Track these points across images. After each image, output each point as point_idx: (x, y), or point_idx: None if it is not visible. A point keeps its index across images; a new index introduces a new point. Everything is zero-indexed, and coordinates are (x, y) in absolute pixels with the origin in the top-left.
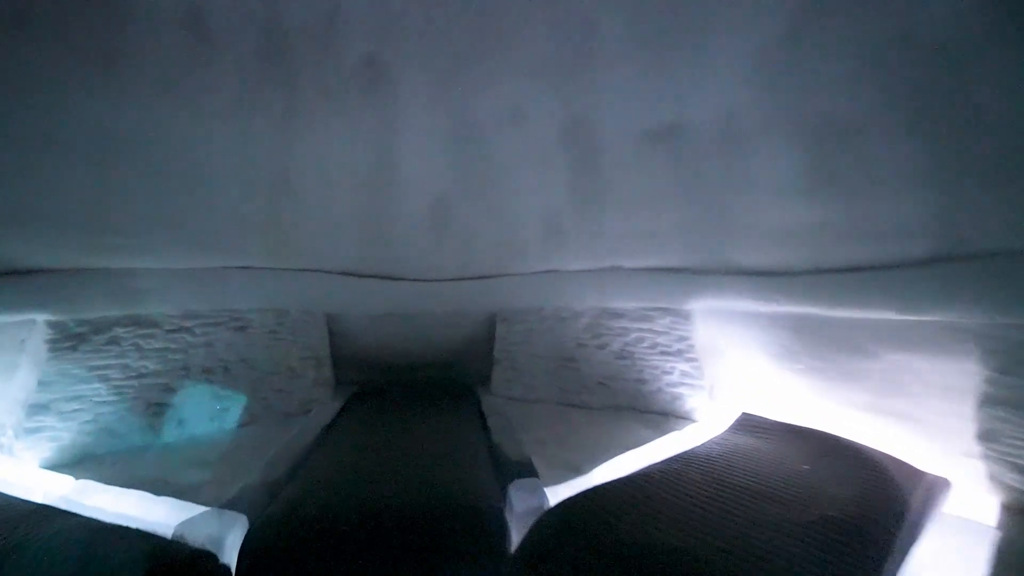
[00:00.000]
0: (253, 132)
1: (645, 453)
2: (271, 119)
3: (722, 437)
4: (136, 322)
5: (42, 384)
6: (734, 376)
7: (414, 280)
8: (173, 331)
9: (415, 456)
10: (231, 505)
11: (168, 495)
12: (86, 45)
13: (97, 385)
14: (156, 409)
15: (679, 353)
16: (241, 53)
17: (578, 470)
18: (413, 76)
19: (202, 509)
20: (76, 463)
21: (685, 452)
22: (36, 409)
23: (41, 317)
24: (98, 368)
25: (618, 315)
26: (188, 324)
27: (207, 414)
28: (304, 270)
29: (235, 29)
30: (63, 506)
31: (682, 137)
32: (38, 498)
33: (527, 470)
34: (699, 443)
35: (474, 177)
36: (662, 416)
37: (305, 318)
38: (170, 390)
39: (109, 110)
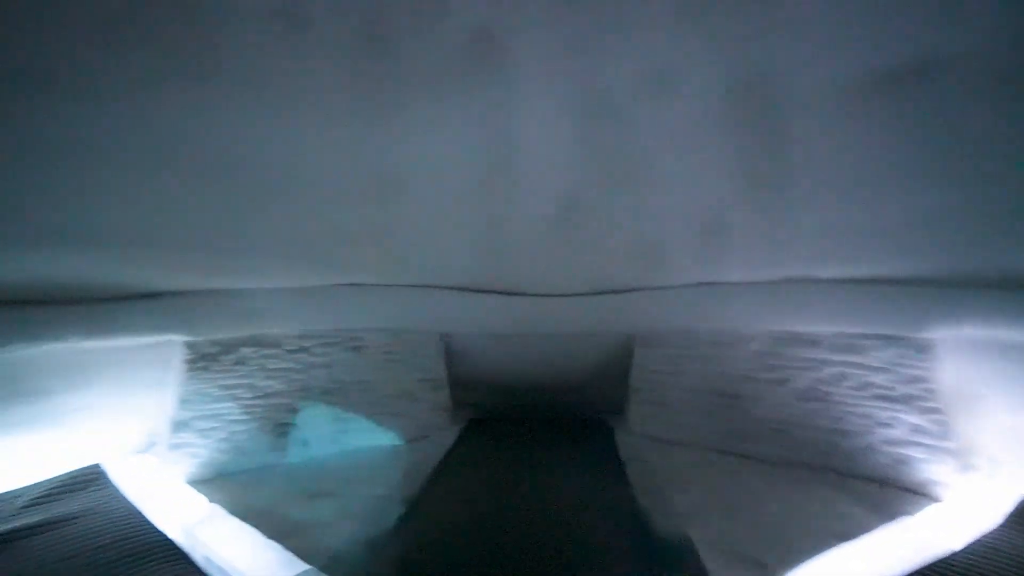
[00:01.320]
0: (356, 134)
1: (866, 549)
2: (375, 116)
3: (998, 534)
4: (260, 342)
5: (183, 402)
6: (1004, 438)
7: (537, 295)
8: (294, 351)
9: (544, 513)
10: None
11: (285, 532)
12: (181, 52)
13: (229, 404)
14: (281, 429)
15: (908, 400)
16: (341, 42)
17: (761, 566)
18: (533, 47)
19: (304, 567)
20: (212, 479)
21: (938, 557)
22: (179, 426)
23: (179, 337)
24: (229, 387)
25: (806, 342)
26: (307, 344)
27: (328, 436)
28: (416, 286)
29: (333, 12)
30: (186, 542)
31: (923, 83)
32: (178, 519)
33: (688, 559)
34: (958, 541)
35: (609, 167)
36: (875, 485)
37: (420, 338)
38: (293, 411)
39: (208, 123)
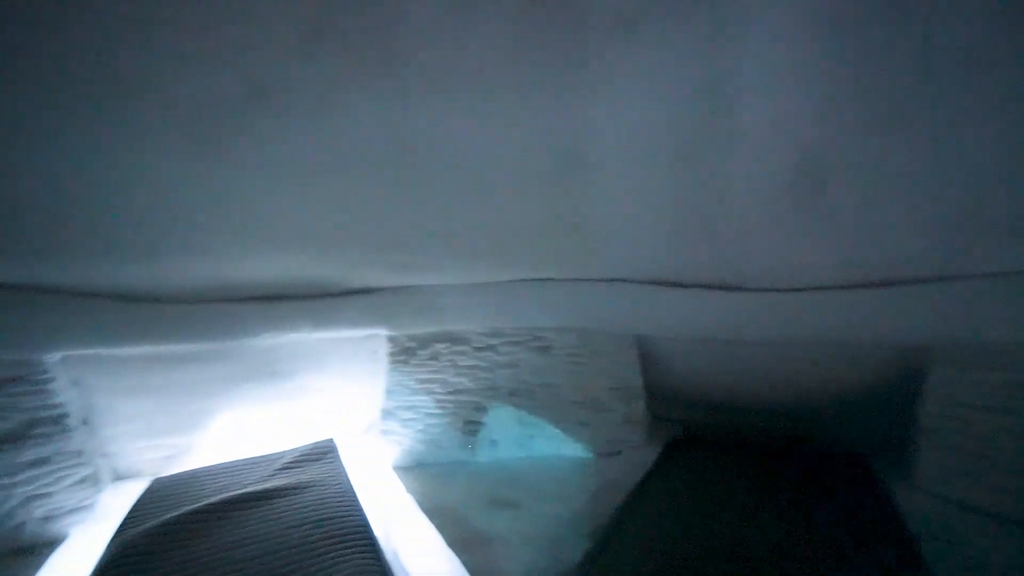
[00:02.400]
0: (532, 107)
1: None
2: (552, 82)
3: None
4: (450, 338)
5: (388, 392)
6: None
7: (759, 290)
8: (481, 349)
9: None
10: None
11: (465, 541)
12: (367, 54)
13: (425, 398)
14: (471, 427)
15: None
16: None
17: None
18: None
19: None
20: (412, 468)
21: None
22: (386, 414)
23: (383, 331)
24: (424, 381)
25: None
26: (494, 342)
27: (515, 439)
28: (605, 280)
29: None
30: (381, 532)
31: None
32: (380, 506)
33: None
34: None
35: (875, 107)
36: None
37: (611, 341)
38: (481, 409)
39: (390, 121)
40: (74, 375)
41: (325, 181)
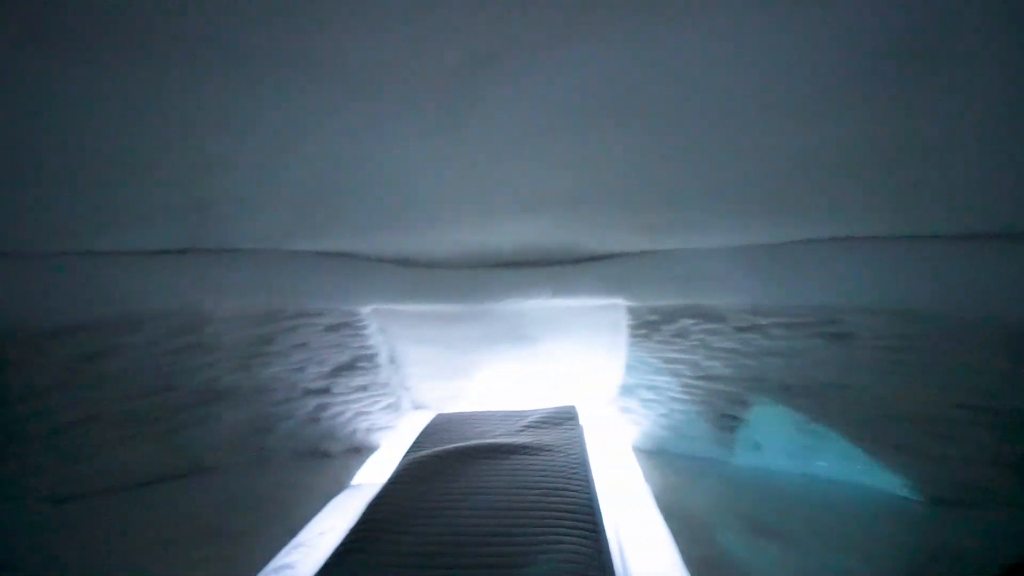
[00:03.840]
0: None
1: None
2: None
3: None
4: (702, 314)
5: (628, 368)
6: None
7: None
8: (743, 329)
9: None
10: None
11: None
12: None
13: (669, 379)
14: (726, 422)
15: None
16: None
17: None
18: None
19: None
20: (652, 453)
21: None
22: (625, 390)
23: (623, 302)
24: (669, 360)
25: None
26: (761, 322)
27: (788, 448)
28: (951, 237)
29: None
30: (609, 514)
31: None
32: (612, 486)
33: None
34: None
35: None
36: None
37: (963, 332)
38: (742, 403)
39: (627, 61)
40: (381, 324)
41: (561, 141)
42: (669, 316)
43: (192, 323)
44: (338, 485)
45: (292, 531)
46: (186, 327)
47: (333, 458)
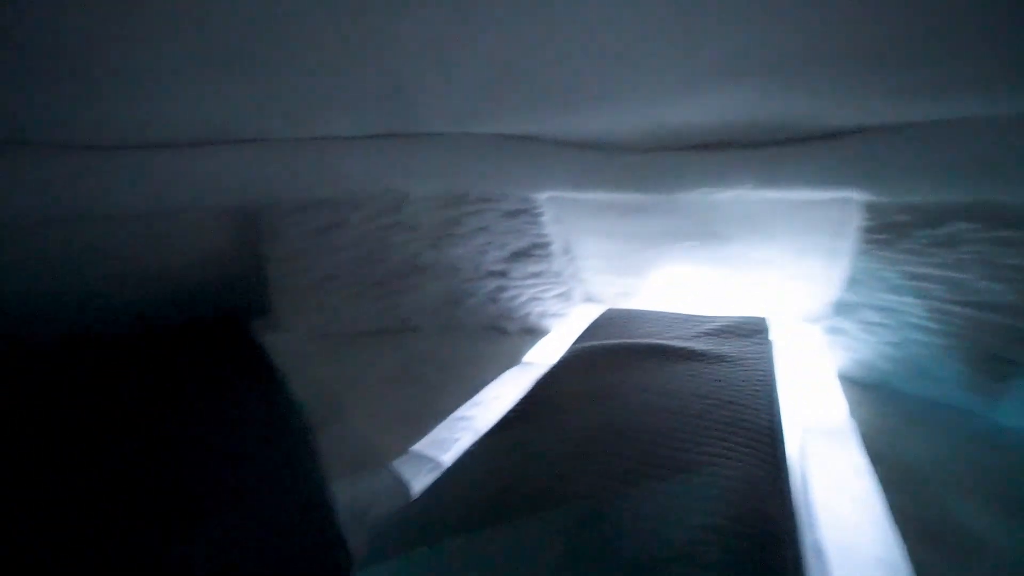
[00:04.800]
0: None
1: None
2: None
3: None
4: (991, 216)
5: (852, 282)
6: None
7: None
8: None
9: None
10: None
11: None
12: None
13: (912, 300)
14: (995, 366)
15: None
16: None
17: None
18: None
19: None
20: (870, 387)
21: None
22: (840, 309)
23: (858, 195)
24: (917, 277)
25: None
26: None
27: None
28: None
29: None
30: (793, 442)
31: None
32: (807, 417)
33: None
34: None
35: None
36: None
37: None
38: None
39: None
40: (557, 213)
41: None
42: (933, 217)
43: (395, 204)
44: (512, 359)
45: (471, 391)
46: (391, 208)
47: (509, 335)
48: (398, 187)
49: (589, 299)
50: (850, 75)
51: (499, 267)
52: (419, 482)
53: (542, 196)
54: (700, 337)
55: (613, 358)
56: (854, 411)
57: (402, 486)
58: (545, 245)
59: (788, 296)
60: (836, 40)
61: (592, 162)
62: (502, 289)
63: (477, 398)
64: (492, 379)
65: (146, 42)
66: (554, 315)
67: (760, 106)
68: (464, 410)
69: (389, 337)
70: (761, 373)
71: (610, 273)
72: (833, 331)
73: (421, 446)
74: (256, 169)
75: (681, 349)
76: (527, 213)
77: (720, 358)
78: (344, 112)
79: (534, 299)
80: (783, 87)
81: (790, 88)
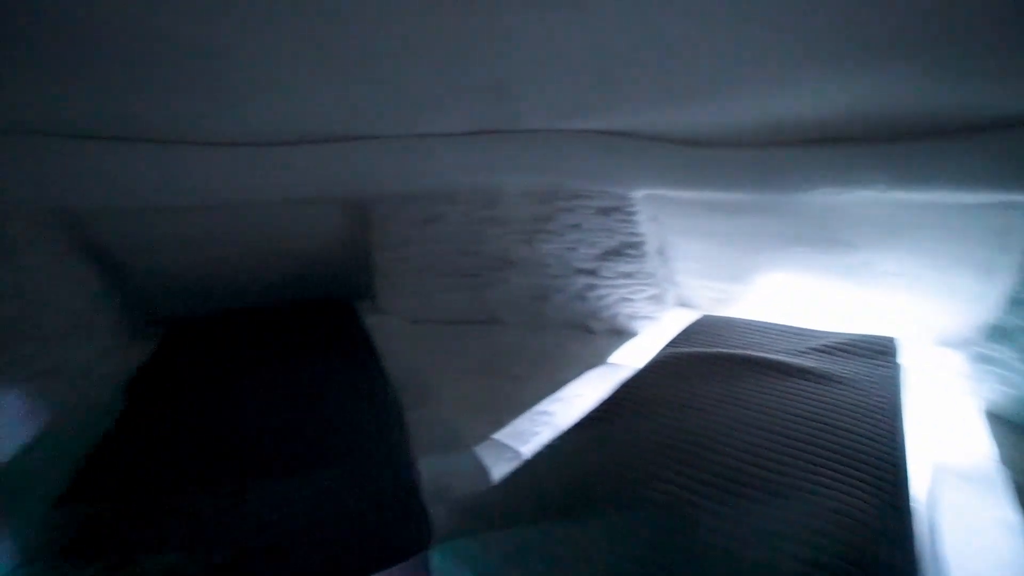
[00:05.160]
0: None
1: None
2: None
3: None
4: None
5: (1014, 303)
6: None
7: None
8: None
9: None
10: None
11: None
12: None
13: None
14: None
15: None
16: None
17: None
18: None
19: None
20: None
21: None
22: (996, 334)
23: None
24: None
25: None
26: None
27: None
28: None
29: None
30: (920, 486)
31: None
32: (942, 458)
33: None
34: None
35: None
36: None
37: None
38: None
39: None
40: (652, 211)
41: None
42: None
43: (490, 199)
44: (597, 359)
45: (554, 387)
46: (486, 202)
47: (595, 335)
48: (493, 182)
49: (683, 304)
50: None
51: (589, 265)
52: (499, 469)
53: (638, 194)
54: (810, 353)
55: (705, 366)
56: (1005, 455)
57: (482, 470)
58: (638, 245)
59: (926, 316)
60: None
61: (698, 158)
62: (591, 288)
63: (559, 394)
64: (575, 377)
65: (285, 51)
66: (644, 318)
67: (895, 94)
68: (545, 405)
69: (476, 328)
70: (884, 400)
71: (708, 277)
72: (984, 359)
73: (502, 435)
74: (369, 164)
75: (785, 364)
76: (620, 211)
77: (833, 378)
78: (449, 110)
79: (624, 300)
80: (923, 71)
81: (934, 72)
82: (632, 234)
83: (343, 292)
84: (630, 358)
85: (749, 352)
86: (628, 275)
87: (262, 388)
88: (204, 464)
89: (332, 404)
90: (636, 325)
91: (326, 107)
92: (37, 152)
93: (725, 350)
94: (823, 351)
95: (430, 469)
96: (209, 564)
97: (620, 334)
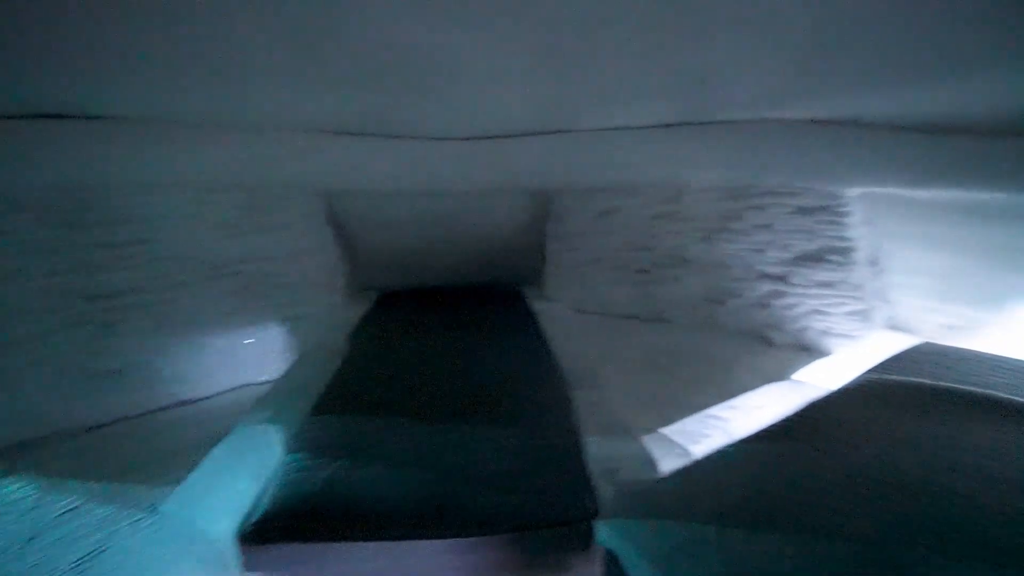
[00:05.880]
0: None
1: None
2: None
3: None
4: None
5: None
6: None
7: None
8: None
9: None
10: None
11: None
12: None
13: None
14: None
15: None
16: None
17: None
18: None
19: None
20: None
21: None
22: None
23: None
24: None
25: None
26: None
27: None
28: None
29: None
30: None
31: None
32: None
33: None
34: None
35: None
36: None
37: None
38: None
39: None
40: (869, 213)
41: None
42: None
43: (672, 194)
44: (777, 373)
45: (723, 394)
46: (668, 197)
47: (775, 347)
48: (679, 177)
49: (895, 326)
50: None
51: (777, 270)
52: (667, 463)
53: (852, 191)
54: None
55: (921, 399)
56: None
57: (649, 461)
58: (846, 251)
59: None
60: None
61: (944, 148)
62: (777, 295)
63: (734, 402)
64: (751, 388)
65: (509, 52)
66: (841, 335)
67: None
68: (717, 410)
69: (642, 324)
70: None
71: (939, 298)
72: None
73: (669, 431)
74: (556, 157)
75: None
76: (827, 211)
77: None
78: (644, 103)
79: (817, 312)
80: None
81: None
82: (839, 238)
83: (512, 278)
84: (819, 378)
85: (983, 390)
86: (827, 285)
87: (450, 350)
88: (413, 398)
89: (506, 371)
90: (829, 343)
91: (538, 103)
92: (304, 146)
93: (950, 384)
94: None
95: (595, 449)
96: (417, 478)
97: (806, 350)
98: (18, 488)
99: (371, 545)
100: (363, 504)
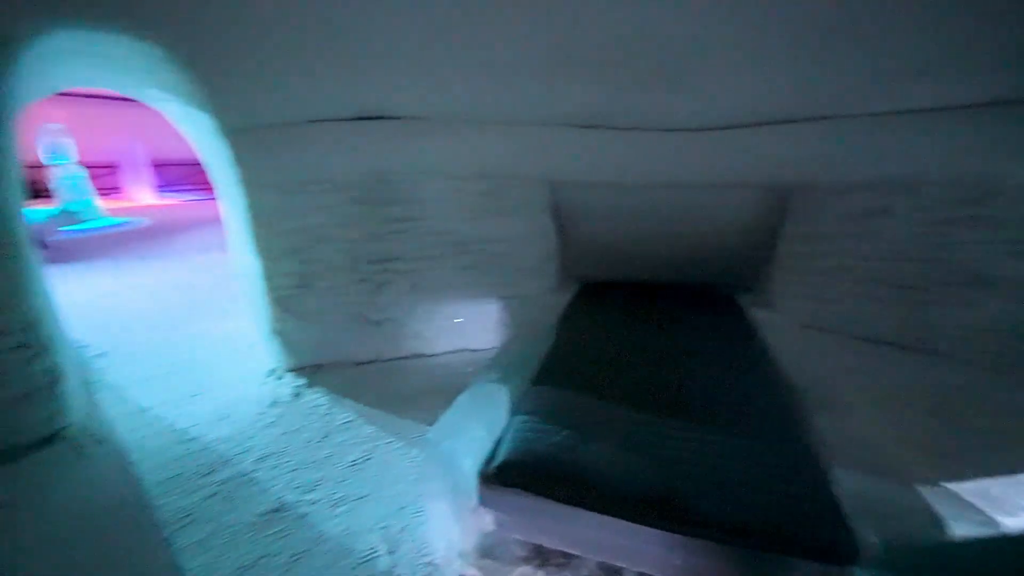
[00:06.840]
0: None
1: None
2: None
3: None
4: None
5: None
6: None
7: None
8: None
9: None
10: None
11: None
12: None
13: None
14: None
15: None
16: None
17: None
18: None
19: None
20: None
21: None
22: None
23: None
24: None
25: None
26: None
27: None
28: None
29: None
30: None
31: None
32: None
33: None
34: None
35: None
36: None
37: None
38: None
39: None
40: None
41: None
42: None
43: (979, 193)
44: None
45: None
46: (968, 198)
47: None
48: (986, 170)
49: None
50: None
51: None
52: (960, 526)
53: None
54: None
55: None
56: None
57: (933, 516)
58: None
59: None
60: None
61: None
62: None
63: None
64: None
65: (705, 37)
66: None
67: None
68: None
69: (902, 354)
70: None
71: None
72: None
73: (962, 488)
74: (809, 148)
75: None
76: None
77: None
78: (942, 79)
79: None
80: None
81: None
82: None
83: (726, 281)
84: None
85: None
86: None
87: (664, 346)
88: (630, 387)
89: (726, 375)
90: None
91: (775, 88)
92: (542, 139)
93: None
94: None
95: (850, 484)
96: (639, 464)
97: None
98: (317, 397)
99: (598, 517)
100: (589, 475)
